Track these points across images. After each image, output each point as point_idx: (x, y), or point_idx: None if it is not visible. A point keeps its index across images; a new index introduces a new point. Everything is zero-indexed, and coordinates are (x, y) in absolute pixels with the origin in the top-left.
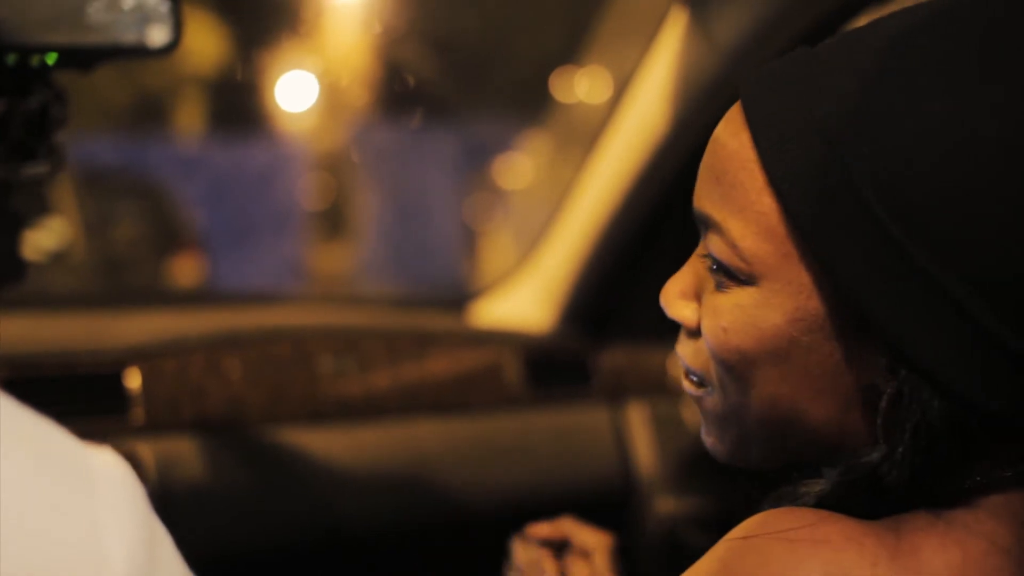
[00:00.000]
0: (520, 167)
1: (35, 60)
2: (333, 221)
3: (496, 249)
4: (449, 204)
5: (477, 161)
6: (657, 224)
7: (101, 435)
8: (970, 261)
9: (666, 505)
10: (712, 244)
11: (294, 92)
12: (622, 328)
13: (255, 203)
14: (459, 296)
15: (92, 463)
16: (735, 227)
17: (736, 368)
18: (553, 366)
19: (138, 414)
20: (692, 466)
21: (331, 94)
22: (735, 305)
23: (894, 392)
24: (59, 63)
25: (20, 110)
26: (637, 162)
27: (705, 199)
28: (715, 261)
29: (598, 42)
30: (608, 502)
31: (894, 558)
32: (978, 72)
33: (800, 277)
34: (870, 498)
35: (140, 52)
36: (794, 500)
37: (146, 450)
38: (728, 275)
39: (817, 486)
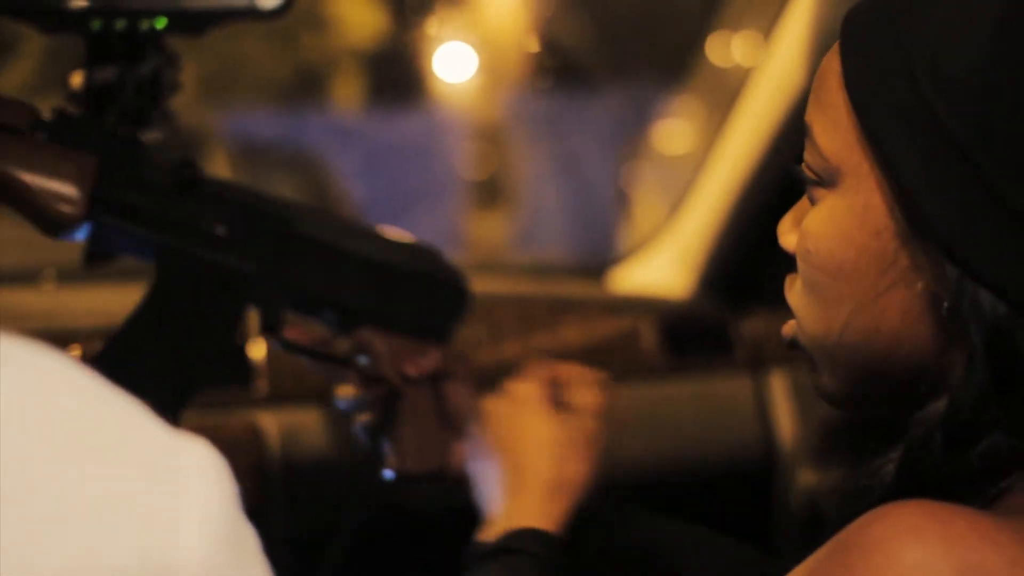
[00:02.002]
0: (675, 132)
1: (144, 25)
2: (490, 190)
3: (651, 216)
4: (605, 171)
5: (633, 127)
6: (798, 186)
7: (225, 406)
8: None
9: (809, 477)
10: (806, 152)
11: (452, 63)
12: (763, 295)
13: (412, 174)
14: (600, 263)
15: (178, 457)
16: (817, 126)
17: (818, 281)
18: (692, 334)
19: (262, 385)
20: (836, 437)
21: (489, 64)
22: (818, 213)
23: (954, 300)
24: (169, 27)
25: (131, 76)
26: (778, 122)
27: (806, 113)
28: (807, 169)
29: (751, 6)
30: (749, 474)
31: (1015, 542)
32: None
33: (869, 174)
34: (954, 464)
35: (250, 14)
36: (876, 474)
37: (270, 421)
38: (815, 181)
39: (895, 452)
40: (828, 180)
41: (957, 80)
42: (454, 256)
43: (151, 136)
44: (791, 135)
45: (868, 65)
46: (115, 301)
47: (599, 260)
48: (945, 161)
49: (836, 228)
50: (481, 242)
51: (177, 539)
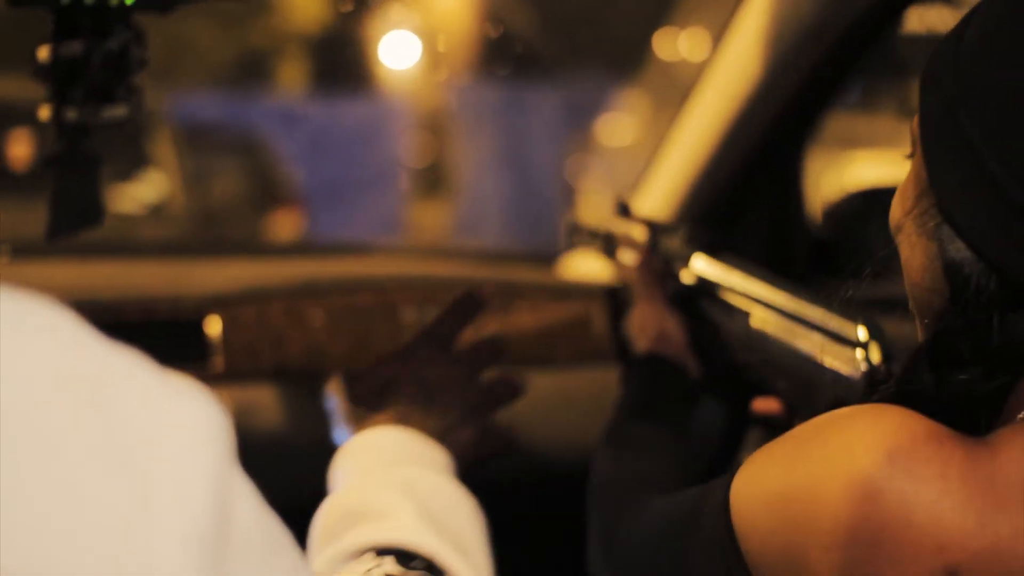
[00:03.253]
0: (619, 125)
1: (114, 0)
2: (432, 178)
3: (594, 207)
4: (548, 162)
5: (576, 119)
6: (750, 176)
7: None
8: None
9: None
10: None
11: (397, 50)
12: None
13: (355, 160)
14: (550, 251)
15: (170, 407)
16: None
17: (892, 215)
18: None
19: (218, 362)
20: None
21: (433, 52)
22: (904, 177)
23: (959, 265)
24: (138, 4)
25: (99, 51)
26: (731, 113)
27: None
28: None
29: (699, 3)
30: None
31: (968, 460)
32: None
33: (920, 152)
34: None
35: None
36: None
37: (225, 398)
38: (910, 153)
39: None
40: (912, 151)
41: (968, 63)
42: (396, 241)
43: (116, 112)
44: (743, 128)
45: (925, 69)
46: (70, 276)
47: (549, 248)
48: (952, 145)
49: (904, 184)
50: (422, 229)
51: (158, 508)
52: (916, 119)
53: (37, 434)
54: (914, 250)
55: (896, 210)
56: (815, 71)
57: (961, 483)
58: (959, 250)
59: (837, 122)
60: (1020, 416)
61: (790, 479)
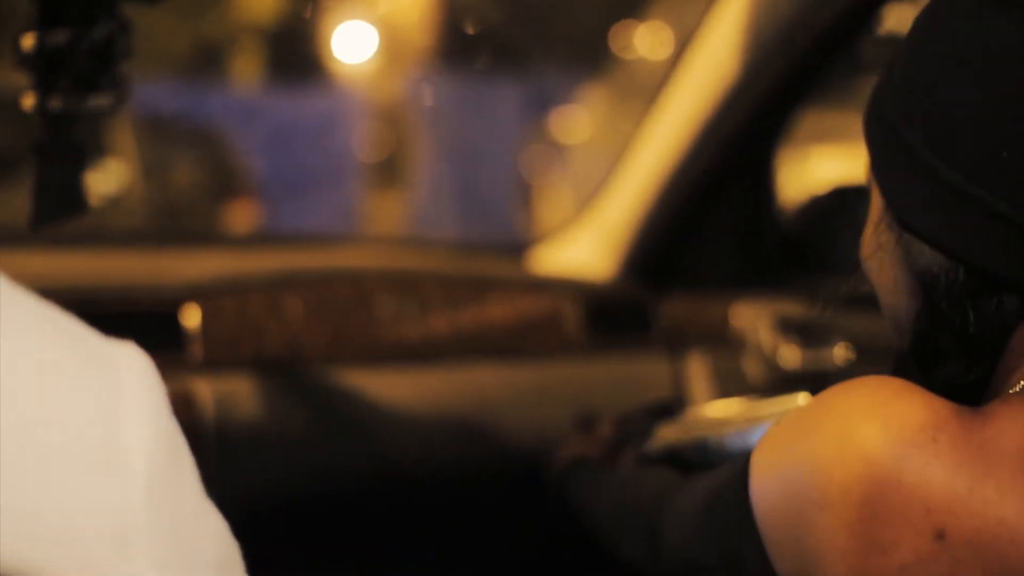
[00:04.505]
0: (578, 120)
1: None
2: (389, 171)
3: (551, 202)
4: (506, 156)
5: (535, 113)
6: (722, 174)
7: (159, 370)
8: (947, 147)
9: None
10: None
11: (353, 42)
12: (684, 278)
13: (312, 152)
14: (517, 244)
15: (116, 353)
16: None
17: (863, 265)
18: (613, 315)
19: (196, 351)
20: None
21: (390, 44)
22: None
23: (926, 267)
24: None
25: (84, 40)
26: (703, 111)
27: None
28: None
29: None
30: None
31: (960, 427)
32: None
33: (874, 186)
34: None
35: None
36: None
37: (204, 388)
38: None
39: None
40: (868, 187)
41: (900, 87)
42: (353, 232)
43: (101, 101)
44: (717, 124)
45: (866, 112)
46: (43, 265)
47: (513, 240)
48: (901, 163)
49: (866, 226)
50: (379, 220)
51: (120, 426)
52: (867, 161)
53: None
54: (883, 268)
55: (863, 246)
56: (790, 70)
57: (951, 448)
58: (923, 253)
59: (807, 118)
60: (1012, 391)
61: (794, 446)
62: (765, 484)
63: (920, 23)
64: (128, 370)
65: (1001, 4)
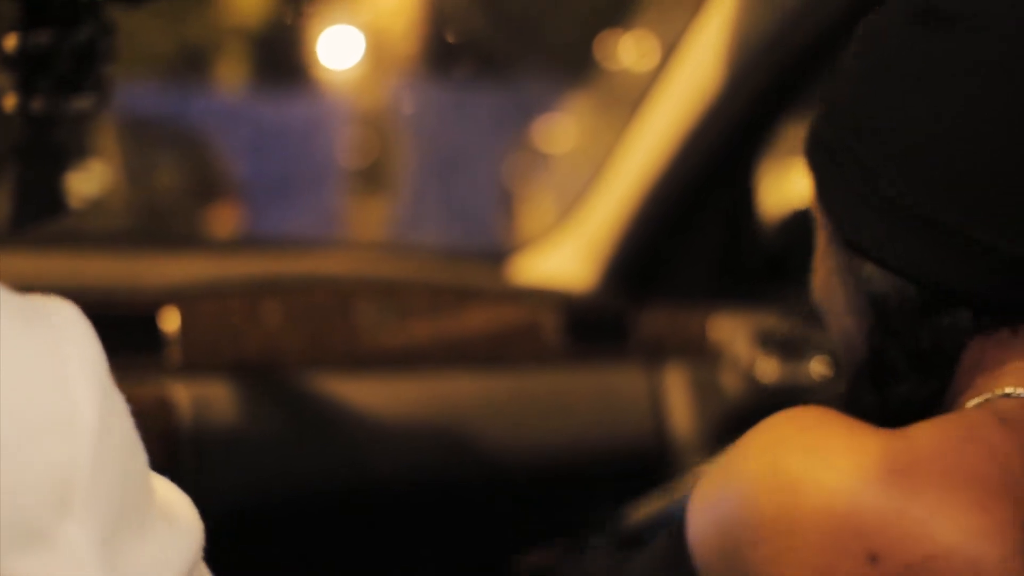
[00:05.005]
0: (562, 130)
1: None
2: (373, 177)
3: (534, 211)
4: (489, 164)
5: (519, 121)
6: (702, 185)
7: (135, 375)
8: (884, 157)
9: (700, 470)
10: None
11: (339, 47)
12: (664, 289)
13: (296, 157)
14: (498, 252)
15: (58, 315)
16: None
17: (816, 302)
18: (592, 325)
19: (175, 354)
20: (728, 431)
21: (376, 50)
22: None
23: (877, 288)
24: None
25: (67, 42)
26: (686, 122)
27: None
28: None
29: (648, 6)
30: (641, 464)
31: (885, 448)
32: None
33: (822, 214)
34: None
35: None
36: None
37: (181, 391)
38: None
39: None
40: (816, 219)
41: (837, 109)
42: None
43: (83, 103)
44: (699, 135)
45: (805, 147)
46: (21, 267)
47: (494, 249)
48: (846, 187)
49: (815, 259)
50: (362, 226)
51: (70, 386)
52: (811, 187)
53: None
54: (835, 292)
55: (814, 273)
56: (772, 82)
57: (877, 471)
58: (873, 273)
59: (789, 130)
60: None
61: (724, 485)
62: (700, 527)
63: (852, 48)
64: (72, 331)
65: (926, 23)
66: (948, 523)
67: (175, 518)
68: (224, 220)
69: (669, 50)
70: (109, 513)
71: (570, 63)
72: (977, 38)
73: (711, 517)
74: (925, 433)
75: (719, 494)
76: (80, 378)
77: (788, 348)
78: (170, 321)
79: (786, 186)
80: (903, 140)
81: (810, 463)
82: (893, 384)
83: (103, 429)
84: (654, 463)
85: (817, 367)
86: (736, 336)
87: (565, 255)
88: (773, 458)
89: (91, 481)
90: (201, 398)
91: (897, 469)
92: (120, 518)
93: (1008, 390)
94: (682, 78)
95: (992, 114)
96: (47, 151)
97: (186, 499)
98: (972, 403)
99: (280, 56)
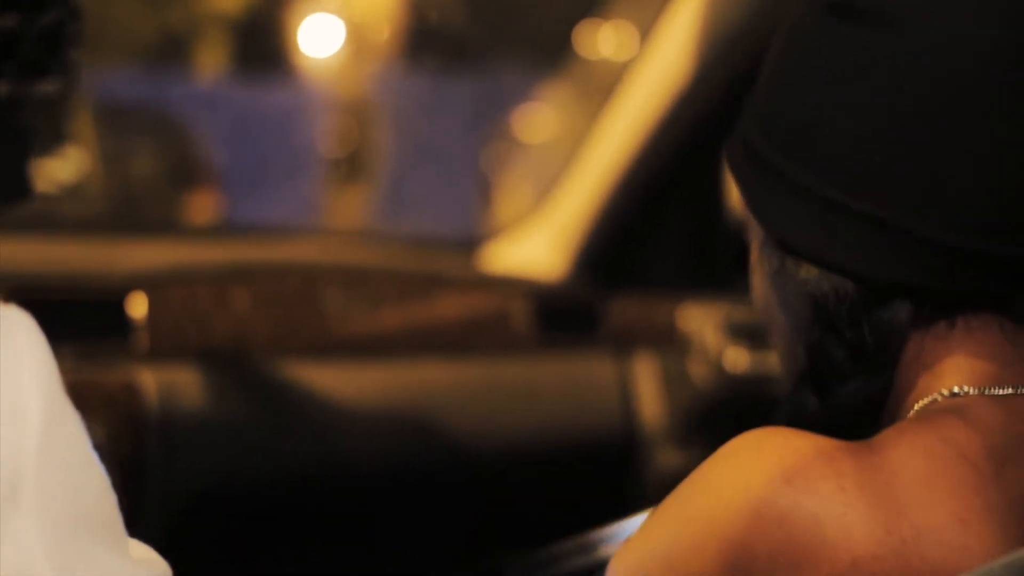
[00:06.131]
0: (540, 119)
1: None
2: (352, 165)
3: (511, 200)
4: (467, 153)
5: (497, 110)
6: (673, 175)
7: (102, 361)
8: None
9: (669, 458)
10: None
11: (318, 35)
12: (634, 279)
13: (274, 144)
14: (470, 239)
15: (9, 321)
16: None
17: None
18: (562, 314)
19: (142, 340)
20: (696, 420)
21: (355, 38)
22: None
23: (815, 288)
24: None
25: (33, 26)
26: (656, 112)
27: None
28: None
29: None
30: (610, 453)
31: (861, 469)
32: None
33: (751, 220)
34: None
35: None
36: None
37: (148, 377)
38: None
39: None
40: (746, 230)
41: (759, 112)
42: (309, 226)
43: (49, 87)
44: (669, 125)
45: (727, 162)
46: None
47: (470, 237)
48: (771, 190)
49: (752, 274)
50: (341, 214)
51: (20, 382)
52: (739, 192)
53: None
54: (772, 301)
55: (751, 278)
56: (744, 71)
57: (860, 494)
58: (810, 273)
59: None
60: (908, 414)
61: (672, 533)
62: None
63: (773, 49)
64: (24, 337)
65: (843, 19)
66: (911, 532)
67: (153, 562)
68: (202, 207)
69: (644, 39)
70: (63, 515)
71: (548, 52)
72: (891, 32)
73: (669, 537)
74: (895, 445)
75: (668, 537)
76: (29, 375)
77: (757, 338)
78: (138, 307)
79: None
80: (829, 138)
81: (795, 493)
82: (838, 386)
83: (51, 422)
84: (622, 451)
85: None
86: (705, 326)
87: (536, 244)
88: (748, 490)
89: (39, 473)
90: (168, 384)
91: (879, 488)
92: (77, 525)
93: (956, 388)
94: (653, 68)
95: (912, 105)
96: (12, 136)
97: (163, 561)
98: (920, 404)
99: (260, 43)
